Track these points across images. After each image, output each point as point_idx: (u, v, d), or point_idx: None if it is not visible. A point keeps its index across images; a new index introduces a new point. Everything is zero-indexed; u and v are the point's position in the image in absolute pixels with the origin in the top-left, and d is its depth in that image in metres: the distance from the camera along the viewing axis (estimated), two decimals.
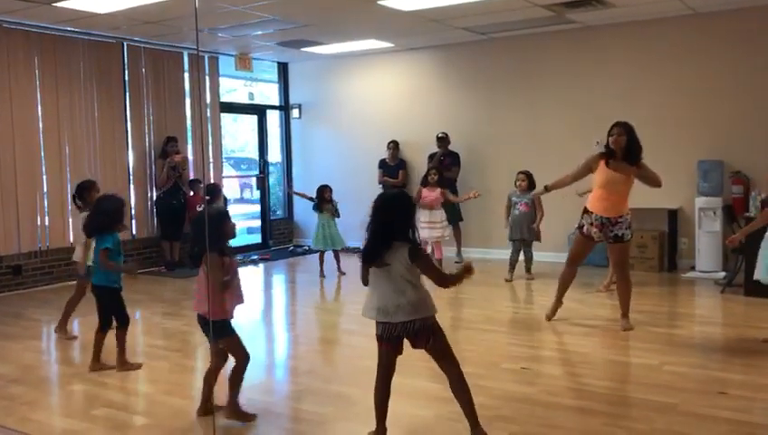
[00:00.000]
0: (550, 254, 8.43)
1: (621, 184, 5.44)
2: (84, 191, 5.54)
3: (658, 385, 4.27)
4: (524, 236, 7.78)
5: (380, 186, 9.93)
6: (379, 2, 7.09)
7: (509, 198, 7.88)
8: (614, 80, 8.56)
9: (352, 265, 8.98)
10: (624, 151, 5.39)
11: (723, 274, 7.48)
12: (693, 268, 7.93)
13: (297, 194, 9.34)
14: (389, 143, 9.97)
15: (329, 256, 8.44)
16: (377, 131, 10.31)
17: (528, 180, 7.74)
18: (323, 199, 8.33)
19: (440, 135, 9.34)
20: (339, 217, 8.40)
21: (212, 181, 9.78)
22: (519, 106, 9.20)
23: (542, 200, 7.50)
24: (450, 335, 3.48)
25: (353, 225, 8.52)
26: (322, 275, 8.31)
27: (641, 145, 5.45)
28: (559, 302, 5.96)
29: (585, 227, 5.61)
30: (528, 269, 7.87)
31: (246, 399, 4.19)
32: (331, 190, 8.41)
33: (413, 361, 3.50)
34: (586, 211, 5.61)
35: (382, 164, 10.01)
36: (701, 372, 4.54)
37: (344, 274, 8.34)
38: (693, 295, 7.13)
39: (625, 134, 5.38)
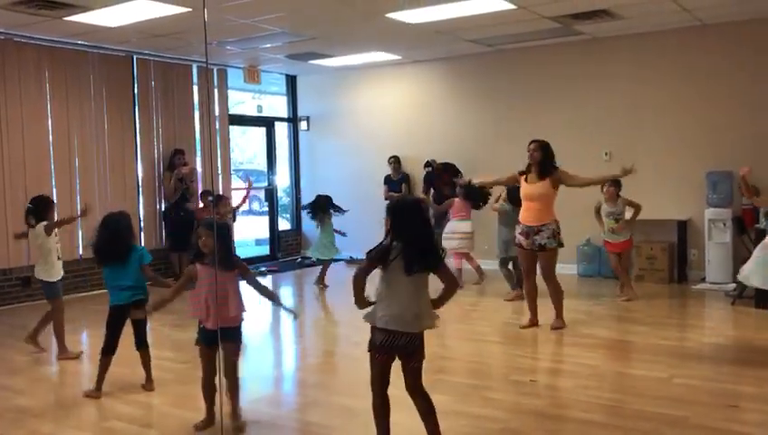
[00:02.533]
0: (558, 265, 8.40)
1: (537, 196, 5.89)
2: (45, 208, 5.52)
3: (669, 398, 4.24)
4: (510, 253, 7.32)
5: (387, 202, 9.96)
6: (386, 14, 7.12)
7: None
8: (622, 91, 8.55)
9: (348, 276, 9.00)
10: (538, 166, 5.91)
11: (733, 285, 7.42)
12: (703, 280, 7.88)
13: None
14: (390, 159, 10.01)
15: (336, 267, 8.44)
16: (385, 143, 10.34)
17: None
18: (326, 209, 8.36)
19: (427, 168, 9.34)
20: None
21: (220, 193, 9.81)
22: (526, 117, 9.20)
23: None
24: (458, 348, 3.47)
25: (361, 236, 8.48)
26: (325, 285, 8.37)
27: (553, 159, 5.97)
28: (535, 317, 6.15)
29: (516, 238, 6.06)
30: (520, 286, 7.17)
31: (253, 411, 4.19)
32: (327, 199, 8.46)
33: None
34: (517, 223, 6.07)
35: (387, 180, 10.07)
36: (712, 384, 4.51)
37: (326, 287, 8.33)
38: (703, 307, 7.08)
39: (539, 150, 5.89)
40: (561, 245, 6.01)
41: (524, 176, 6.05)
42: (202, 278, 3.82)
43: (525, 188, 5.99)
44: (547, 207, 5.93)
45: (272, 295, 4.16)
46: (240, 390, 3.98)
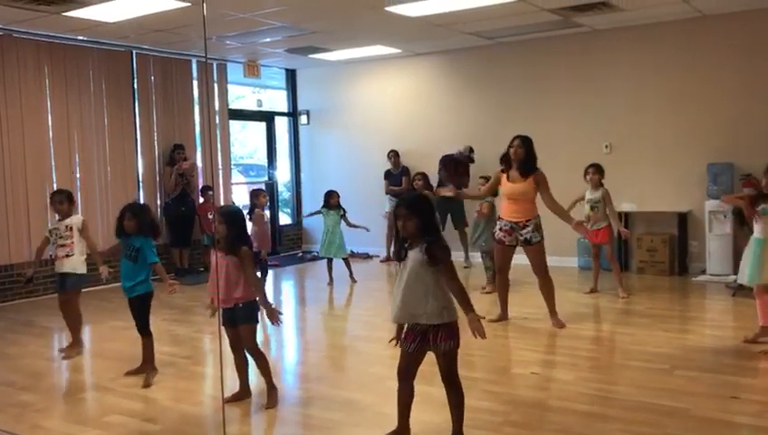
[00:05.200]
0: (554, 258, 8.36)
1: (521, 192, 5.78)
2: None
3: (670, 390, 4.25)
4: (479, 245, 7.51)
5: (388, 197, 9.97)
6: (386, 8, 7.11)
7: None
8: (622, 83, 8.54)
9: (363, 270, 9.00)
10: (521, 163, 5.75)
11: (733, 277, 7.42)
12: (704, 272, 7.89)
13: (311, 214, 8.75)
14: (389, 153, 10.00)
15: (340, 263, 8.40)
16: (385, 137, 10.33)
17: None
18: (329, 205, 8.30)
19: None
20: (348, 224, 8.37)
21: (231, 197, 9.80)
22: (527, 110, 9.19)
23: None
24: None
25: (362, 230, 8.50)
26: (330, 282, 8.29)
27: (536, 157, 5.81)
28: (505, 312, 6.17)
29: (497, 234, 5.96)
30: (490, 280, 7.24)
31: (255, 404, 4.22)
32: (337, 196, 8.38)
33: (423, 365, 3.49)
34: (498, 219, 5.99)
35: (387, 174, 10.07)
36: (712, 376, 4.51)
37: (356, 281, 8.30)
38: (704, 299, 7.08)
39: (523, 147, 5.73)
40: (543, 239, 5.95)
41: (505, 174, 5.86)
42: (213, 262, 4.09)
43: (508, 187, 5.82)
44: (531, 202, 5.83)
45: (259, 291, 4.20)
46: (268, 365, 4.20)
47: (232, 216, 4.18)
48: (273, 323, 4.06)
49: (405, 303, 3.33)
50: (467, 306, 3.31)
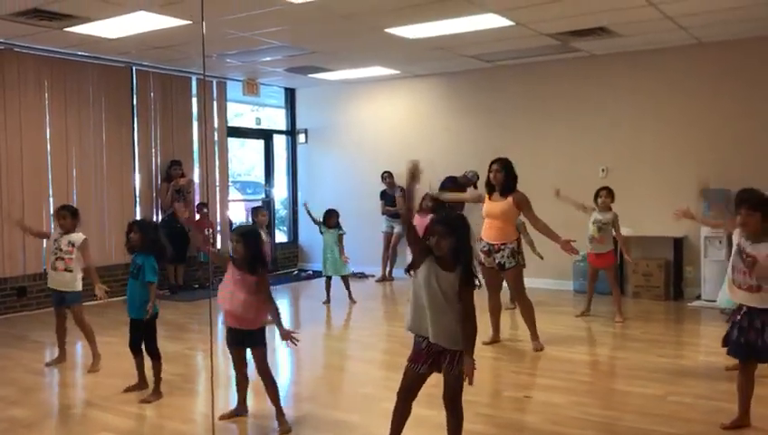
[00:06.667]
0: (550, 281, 8.40)
1: (501, 211, 5.84)
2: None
3: (663, 416, 4.23)
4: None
5: (385, 217, 9.98)
6: (385, 30, 7.17)
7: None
8: (619, 108, 8.59)
9: (359, 290, 8.97)
10: (501, 185, 5.85)
11: None
12: (699, 297, 7.89)
13: (309, 213, 8.50)
14: (383, 174, 10.00)
15: (338, 283, 8.36)
16: (382, 157, 10.35)
17: None
18: (327, 224, 8.28)
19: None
20: (340, 245, 8.27)
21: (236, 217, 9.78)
22: (524, 134, 9.24)
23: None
24: None
25: (359, 249, 8.50)
26: (326, 301, 8.27)
27: (516, 178, 5.89)
28: (497, 334, 6.18)
29: (477, 255, 5.96)
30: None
31: (248, 425, 4.19)
32: (336, 216, 8.35)
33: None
34: (479, 240, 6.01)
35: (383, 195, 10.08)
36: (706, 402, 4.50)
37: (355, 302, 8.26)
38: (698, 325, 7.07)
39: (502, 170, 5.84)
40: (521, 264, 5.98)
41: (489, 195, 6.00)
42: (229, 274, 4.05)
43: (488, 206, 5.94)
44: (508, 225, 5.88)
45: (275, 315, 4.14)
46: (277, 391, 4.14)
47: (249, 236, 4.10)
48: (288, 345, 4.01)
49: (438, 326, 3.26)
50: (471, 346, 3.30)
